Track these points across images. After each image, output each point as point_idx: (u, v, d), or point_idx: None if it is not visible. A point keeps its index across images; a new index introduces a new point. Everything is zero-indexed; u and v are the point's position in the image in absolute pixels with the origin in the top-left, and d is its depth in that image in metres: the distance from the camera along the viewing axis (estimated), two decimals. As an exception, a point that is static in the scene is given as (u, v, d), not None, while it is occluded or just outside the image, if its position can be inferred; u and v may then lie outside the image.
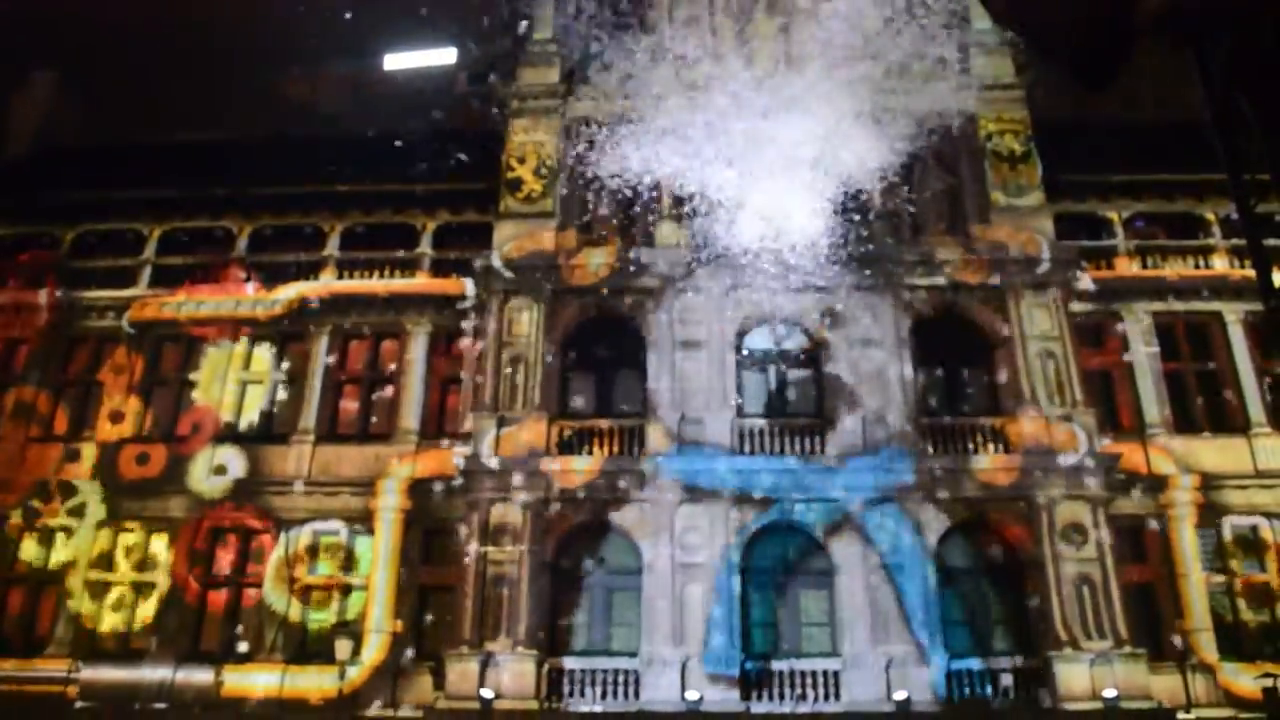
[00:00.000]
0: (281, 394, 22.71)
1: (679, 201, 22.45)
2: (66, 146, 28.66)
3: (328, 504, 21.15)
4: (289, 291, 23.24)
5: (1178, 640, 19.13)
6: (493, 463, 20.04)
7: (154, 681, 19.76)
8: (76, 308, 23.67)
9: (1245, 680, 18.35)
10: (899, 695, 17.93)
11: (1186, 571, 19.72)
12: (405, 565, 20.42)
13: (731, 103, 21.58)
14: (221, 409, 22.42)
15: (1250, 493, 20.48)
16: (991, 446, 20.22)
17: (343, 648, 18.82)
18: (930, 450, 20.18)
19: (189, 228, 24.53)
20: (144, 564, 21.07)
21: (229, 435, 22.13)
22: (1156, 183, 23.35)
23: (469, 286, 22.40)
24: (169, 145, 28.13)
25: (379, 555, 20.47)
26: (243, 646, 20.04)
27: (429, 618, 20.32)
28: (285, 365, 22.92)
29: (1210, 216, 23.09)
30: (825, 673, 18.52)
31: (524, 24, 24.54)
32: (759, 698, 18.32)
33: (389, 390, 22.50)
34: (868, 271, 21.54)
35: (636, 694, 18.40)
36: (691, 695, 18.02)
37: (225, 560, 21.20)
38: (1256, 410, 21.21)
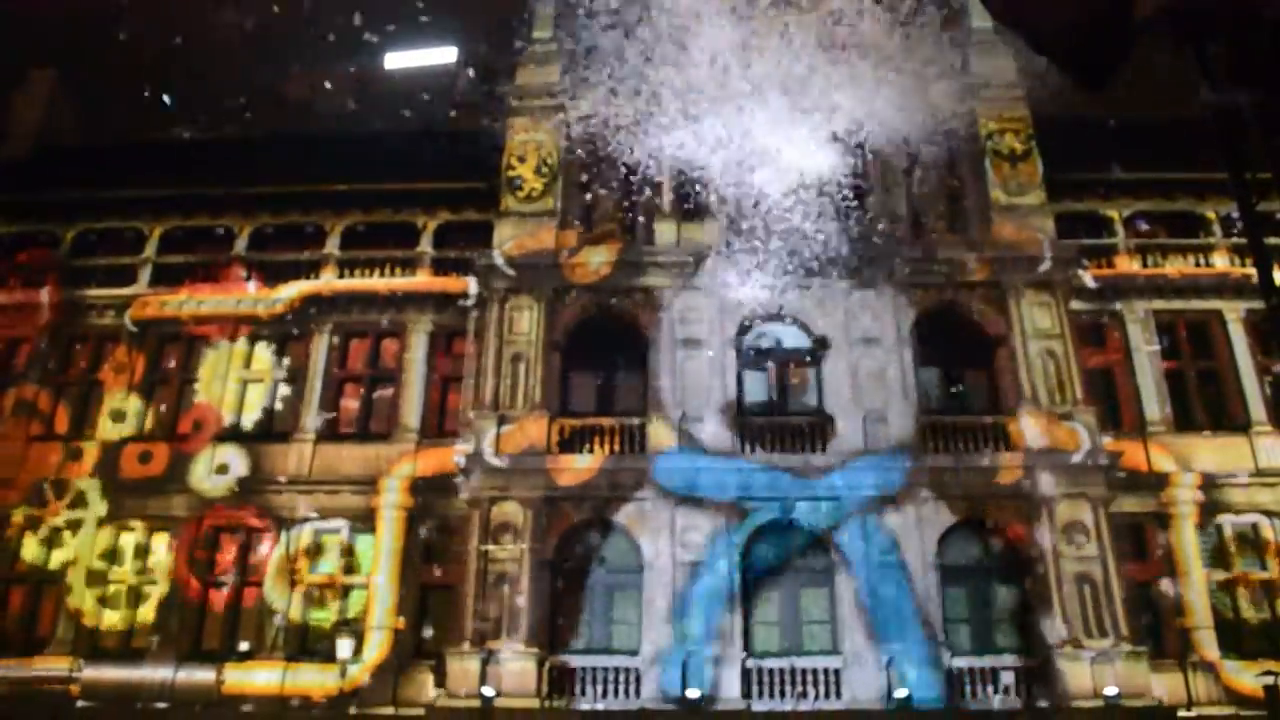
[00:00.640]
0: (283, 392, 22.73)
1: (680, 199, 22.47)
2: (66, 145, 28.68)
3: (329, 502, 21.16)
4: (290, 290, 23.25)
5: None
6: (494, 461, 20.05)
7: (155, 680, 19.76)
8: (77, 306, 23.67)
9: (1246, 678, 18.36)
10: (900, 693, 17.93)
11: (1188, 570, 19.73)
12: (406, 563, 20.43)
13: (731, 102, 21.56)
14: (223, 408, 22.43)
15: (1251, 491, 20.48)
16: (992, 445, 20.22)
17: (344, 646, 18.86)
18: (931, 449, 20.19)
19: (189, 226, 24.53)
20: (145, 563, 21.08)
21: (230, 434, 22.14)
22: (1157, 181, 23.36)
23: (471, 285, 22.41)
24: (169, 143, 28.16)
25: (380, 553, 20.49)
26: (244, 645, 20.06)
27: (430, 616, 20.34)
28: (286, 364, 22.93)
29: (1211, 215, 23.10)
30: (826, 671, 18.52)
31: (525, 22, 24.54)
32: (760, 696, 18.34)
33: (390, 389, 22.52)
34: (869, 270, 21.55)
35: (637, 692, 18.42)
36: (692, 693, 18.03)
37: (227, 559, 21.20)
38: (1257, 408, 21.22)
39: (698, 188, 22.09)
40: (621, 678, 18.59)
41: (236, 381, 22.79)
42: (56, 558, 21.33)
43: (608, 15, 21.25)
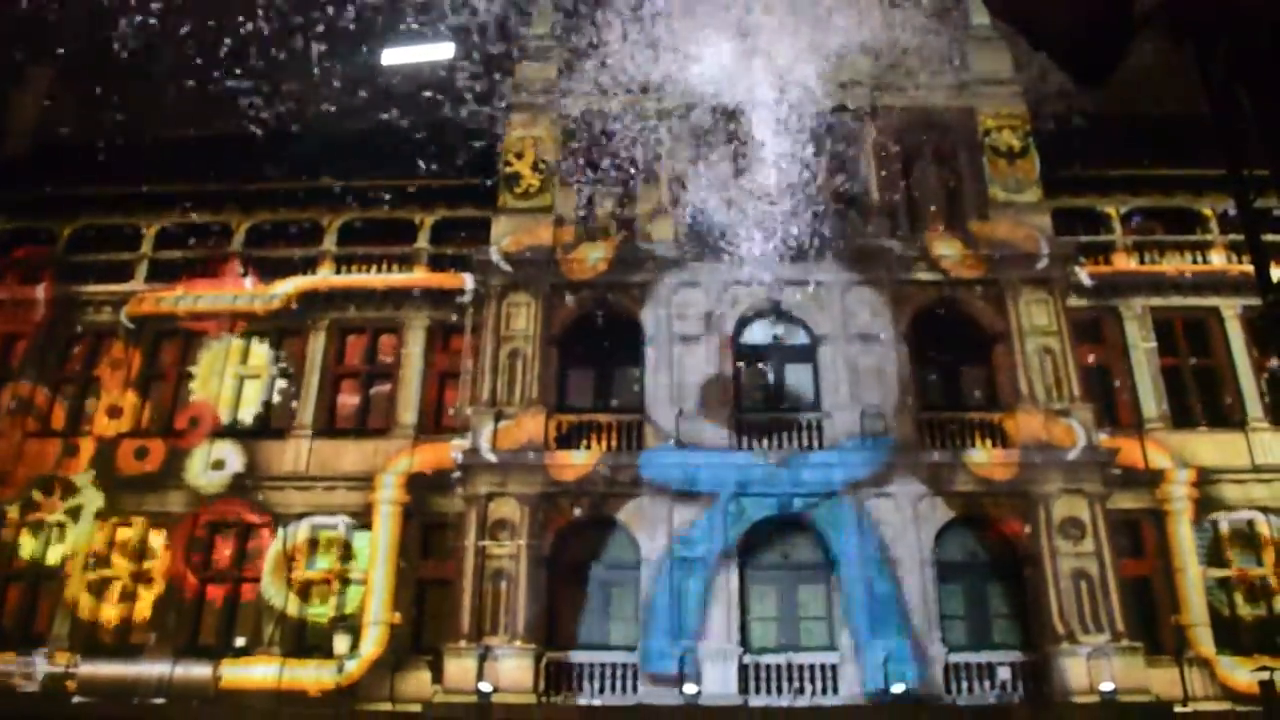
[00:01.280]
0: (279, 388, 22.72)
1: (677, 196, 22.45)
2: (63, 141, 28.57)
3: (326, 498, 21.16)
4: (287, 286, 23.22)
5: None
6: (491, 457, 20.06)
7: (152, 676, 19.76)
8: (74, 303, 23.64)
9: (1242, 674, 18.42)
10: (897, 688, 17.97)
11: (1184, 566, 19.77)
12: (403, 559, 20.43)
13: (730, 101, 21.55)
14: (219, 404, 22.41)
15: (1247, 487, 20.51)
16: (989, 441, 20.25)
17: (341, 642, 18.86)
18: (928, 445, 20.21)
19: (186, 223, 24.45)
20: (142, 559, 21.06)
21: (227, 430, 22.12)
22: (1155, 178, 23.36)
23: (468, 281, 22.40)
24: (166, 140, 28.04)
25: (377, 549, 20.48)
26: (241, 641, 20.06)
27: (427, 612, 20.35)
28: (283, 360, 22.91)
29: (1208, 212, 23.09)
30: (823, 666, 18.56)
31: (521, 19, 24.48)
32: (757, 691, 18.37)
33: (387, 385, 22.51)
34: (866, 266, 21.57)
35: (634, 688, 18.44)
36: (689, 689, 18.05)
37: (223, 555, 21.20)
38: (1254, 405, 21.25)
39: (695, 185, 22.06)
40: (618, 673, 18.61)
41: (233, 377, 22.77)
42: (53, 554, 21.32)
43: (606, 12, 21.21)
